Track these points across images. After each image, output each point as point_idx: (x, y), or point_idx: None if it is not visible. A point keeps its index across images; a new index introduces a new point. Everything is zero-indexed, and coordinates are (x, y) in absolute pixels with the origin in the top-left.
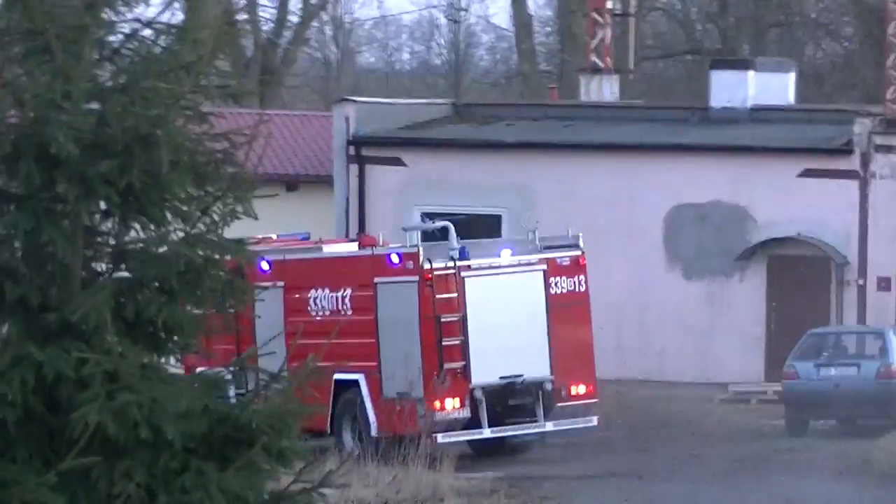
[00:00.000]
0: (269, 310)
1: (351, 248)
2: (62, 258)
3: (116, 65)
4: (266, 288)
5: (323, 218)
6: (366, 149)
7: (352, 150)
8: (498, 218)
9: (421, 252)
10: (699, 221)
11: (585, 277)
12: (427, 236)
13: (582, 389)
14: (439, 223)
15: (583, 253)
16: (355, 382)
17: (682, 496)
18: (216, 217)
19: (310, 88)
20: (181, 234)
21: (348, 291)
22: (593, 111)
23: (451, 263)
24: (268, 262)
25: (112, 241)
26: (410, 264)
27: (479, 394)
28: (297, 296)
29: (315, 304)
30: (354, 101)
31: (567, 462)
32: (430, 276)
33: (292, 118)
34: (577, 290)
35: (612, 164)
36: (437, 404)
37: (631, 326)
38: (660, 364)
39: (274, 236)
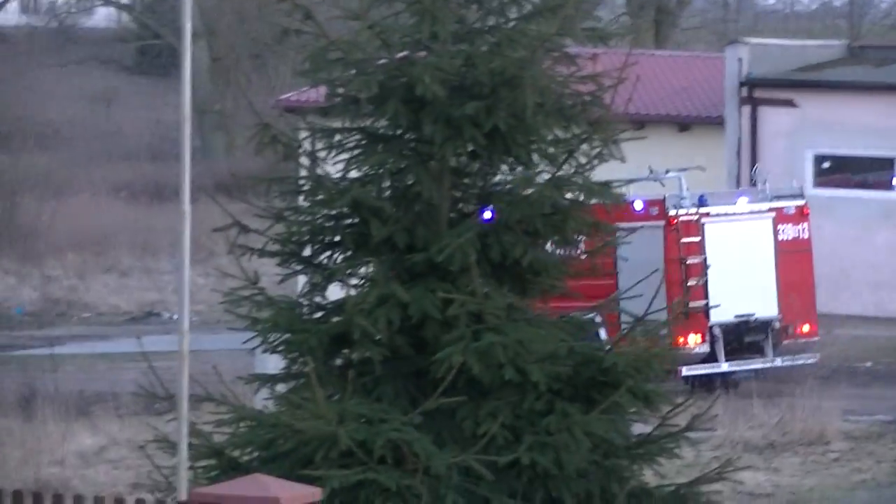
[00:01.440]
0: None
1: None
2: (428, 199)
3: (484, 6)
4: None
5: (714, 160)
6: (758, 90)
7: (744, 92)
8: (891, 161)
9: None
10: None
11: (808, 225)
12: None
13: (806, 328)
14: (672, 173)
15: (806, 202)
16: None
17: None
18: (582, 159)
19: (706, 30)
20: (547, 176)
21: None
22: None
23: (693, 210)
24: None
25: (479, 183)
26: (655, 210)
27: (717, 330)
28: None
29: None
30: (747, 42)
31: None
32: (675, 221)
33: (686, 59)
34: (801, 237)
35: None
36: (681, 339)
37: None
38: None
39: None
